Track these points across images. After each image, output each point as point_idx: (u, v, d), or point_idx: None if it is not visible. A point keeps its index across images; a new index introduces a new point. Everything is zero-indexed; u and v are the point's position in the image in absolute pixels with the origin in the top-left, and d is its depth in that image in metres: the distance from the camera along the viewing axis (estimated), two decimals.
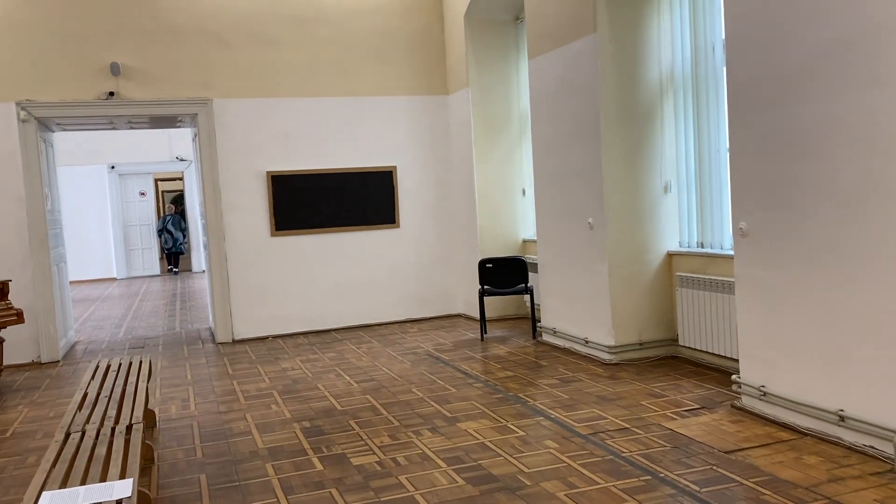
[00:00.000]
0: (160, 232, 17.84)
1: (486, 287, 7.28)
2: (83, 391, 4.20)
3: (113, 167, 16.72)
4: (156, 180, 22.70)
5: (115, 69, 7.56)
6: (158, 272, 17.40)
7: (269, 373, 6.46)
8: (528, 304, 7.50)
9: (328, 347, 7.45)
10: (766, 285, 4.32)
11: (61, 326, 7.85)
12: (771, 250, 4.27)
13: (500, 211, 8.36)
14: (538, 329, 7.22)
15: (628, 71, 5.94)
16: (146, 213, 17.62)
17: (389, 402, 5.31)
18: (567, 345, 6.65)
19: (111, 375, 4.63)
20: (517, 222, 8.43)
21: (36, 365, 7.45)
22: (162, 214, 18.65)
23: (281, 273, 8.27)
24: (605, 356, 6.07)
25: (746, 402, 4.57)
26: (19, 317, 6.46)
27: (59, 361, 7.55)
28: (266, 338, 8.17)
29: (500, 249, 8.34)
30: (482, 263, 7.20)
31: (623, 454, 3.98)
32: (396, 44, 8.53)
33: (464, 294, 8.76)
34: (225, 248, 8.05)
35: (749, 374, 4.55)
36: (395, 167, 8.59)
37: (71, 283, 16.03)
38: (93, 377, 4.55)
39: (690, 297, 5.77)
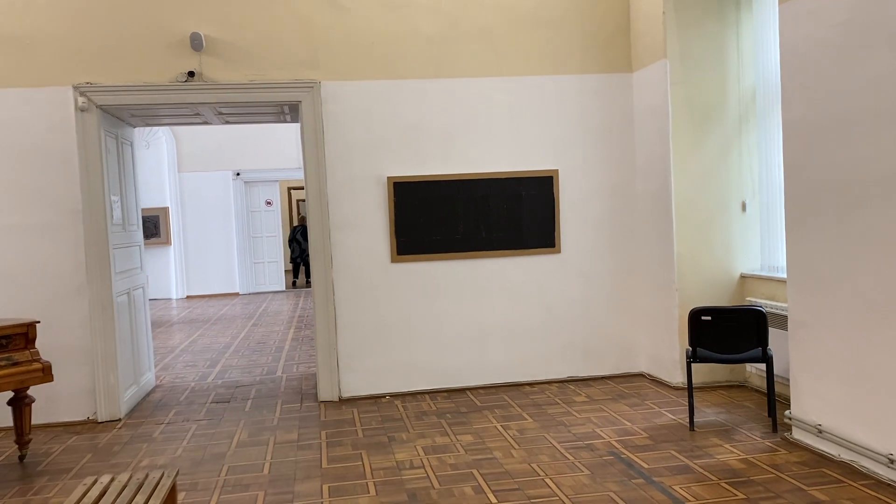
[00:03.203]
0: (290, 242, 16.77)
1: (698, 349, 4.86)
2: None
3: (238, 174, 15.49)
4: (288, 189, 21.66)
5: (195, 42, 5.79)
6: (283, 287, 16.02)
7: (378, 471, 4.37)
8: (766, 376, 5.02)
9: (463, 423, 5.29)
10: None
11: (128, 373, 6.16)
12: None
13: (707, 232, 5.90)
14: (782, 418, 4.73)
15: None
16: (273, 224, 16.29)
17: None
18: (848, 457, 4.11)
19: None
20: (733, 249, 5.93)
21: (91, 424, 5.78)
22: (293, 225, 17.69)
23: (403, 311, 6.21)
24: None
25: None
26: (45, 373, 4.74)
27: (119, 420, 5.85)
28: (381, 397, 6.13)
29: (706, 287, 5.88)
30: (696, 315, 4.79)
31: None
32: (562, 4, 6.29)
33: (648, 346, 6.36)
34: (332, 276, 6.09)
35: None
36: (556, 171, 6.33)
37: (190, 297, 14.98)
38: None
39: None
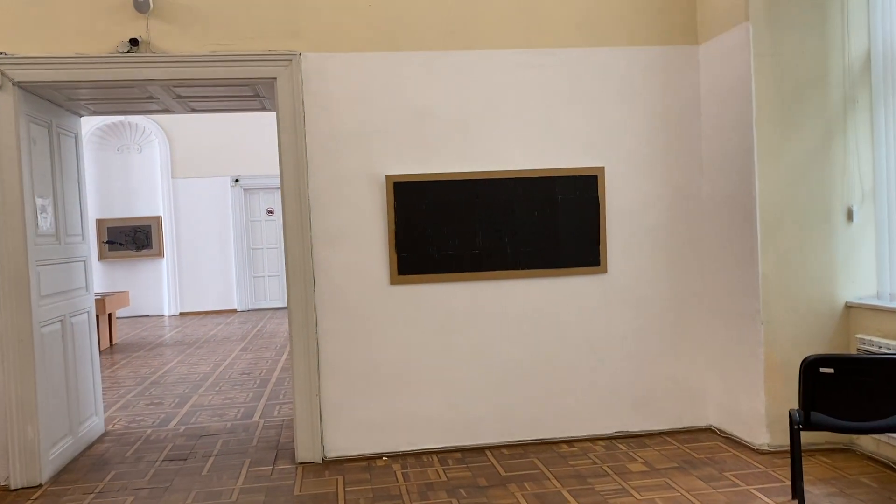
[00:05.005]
0: None
1: (812, 413, 3.48)
2: None
3: (237, 180, 14.25)
4: None
5: (140, 2, 4.52)
6: (285, 303, 14.68)
7: None
8: None
9: (482, 502, 3.92)
10: None
11: (58, 423, 4.87)
12: None
13: (802, 248, 4.52)
14: None
15: None
16: (274, 235, 15.02)
17: None
18: None
19: None
20: (836, 270, 4.54)
21: (2, 492, 4.49)
22: None
23: (405, 347, 4.87)
24: None
25: None
26: None
27: (39, 486, 4.55)
28: (377, 458, 4.79)
29: (800, 320, 4.50)
30: (812, 365, 3.41)
31: None
32: None
33: (720, 394, 4.97)
34: (315, 303, 4.77)
35: None
36: (601, 169, 4.99)
37: (184, 314, 13.75)
38: None
39: None
